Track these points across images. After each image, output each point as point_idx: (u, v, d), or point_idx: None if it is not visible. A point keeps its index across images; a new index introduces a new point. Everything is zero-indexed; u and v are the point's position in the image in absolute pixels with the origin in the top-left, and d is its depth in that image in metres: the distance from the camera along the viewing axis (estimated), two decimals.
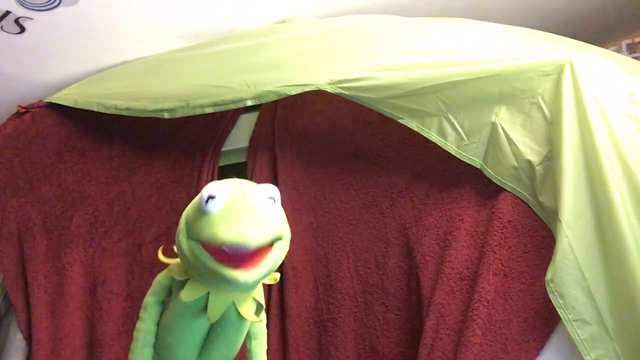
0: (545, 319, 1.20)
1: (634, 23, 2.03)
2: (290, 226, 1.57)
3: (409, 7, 1.82)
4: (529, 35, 1.50)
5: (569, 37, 1.55)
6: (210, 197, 1.05)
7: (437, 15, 1.77)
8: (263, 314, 1.23)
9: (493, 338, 1.23)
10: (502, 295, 1.25)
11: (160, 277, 1.25)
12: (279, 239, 1.09)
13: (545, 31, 1.58)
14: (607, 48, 1.77)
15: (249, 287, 1.11)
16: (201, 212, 1.06)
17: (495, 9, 1.90)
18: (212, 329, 1.20)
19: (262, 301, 1.20)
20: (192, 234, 1.08)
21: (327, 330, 1.51)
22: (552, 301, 1.14)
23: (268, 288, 1.57)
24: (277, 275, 1.23)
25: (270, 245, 1.07)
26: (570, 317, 1.13)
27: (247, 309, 1.16)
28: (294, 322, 1.53)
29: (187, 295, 1.13)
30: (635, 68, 1.41)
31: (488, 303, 1.24)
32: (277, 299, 1.57)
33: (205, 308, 1.14)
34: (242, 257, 1.04)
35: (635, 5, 1.99)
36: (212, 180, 1.68)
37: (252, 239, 1.01)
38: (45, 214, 1.77)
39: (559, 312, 1.14)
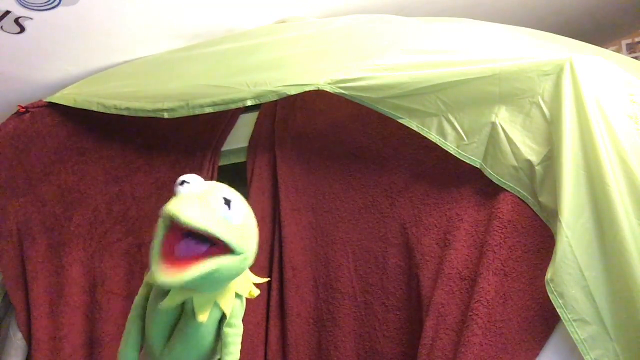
0: (545, 319, 1.20)
1: (634, 23, 2.03)
2: (290, 226, 1.59)
3: (409, 7, 1.82)
4: (529, 35, 1.50)
5: (569, 37, 1.55)
6: (184, 182, 1.13)
7: (437, 15, 1.77)
8: (237, 329, 1.22)
9: (493, 338, 1.23)
10: (502, 295, 1.25)
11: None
12: (212, 236, 1.07)
13: (545, 31, 1.58)
14: (607, 48, 1.77)
15: (170, 287, 1.12)
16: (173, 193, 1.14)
17: (495, 9, 1.90)
18: (180, 321, 1.21)
19: (228, 312, 1.19)
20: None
21: (327, 330, 1.51)
22: (552, 301, 1.14)
23: (268, 288, 1.58)
24: (256, 292, 1.24)
25: (209, 253, 1.08)
26: (570, 317, 1.13)
27: (204, 311, 1.16)
28: (294, 322, 1.53)
29: (169, 301, 1.15)
30: (635, 68, 1.41)
31: (488, 303, 1.24)
32: (277, 299, 1.57)
33: (183, 310, 1.18)
34: (177, 259, 1.07)
35: (635, 5, 1.99)
36: (212, 180, 1.68)
37: (185, 216, 1.04)
38: (45, 214, 1.77)
39: (559, 312, 1.14)
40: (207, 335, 1.21)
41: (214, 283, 1.14)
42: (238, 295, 1.22)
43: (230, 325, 1.21)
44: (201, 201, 1.09)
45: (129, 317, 1.26)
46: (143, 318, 1.24)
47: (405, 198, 1.46)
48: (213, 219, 1.07)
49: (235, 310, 1.22)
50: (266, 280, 1.29)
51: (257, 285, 1.26)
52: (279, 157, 1.64)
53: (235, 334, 1.22)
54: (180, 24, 1.77)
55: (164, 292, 1.18)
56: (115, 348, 1.65)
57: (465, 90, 1.32)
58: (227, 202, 1.10)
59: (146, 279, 1.26)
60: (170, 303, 1.16)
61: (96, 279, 1.72)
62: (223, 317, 1.20)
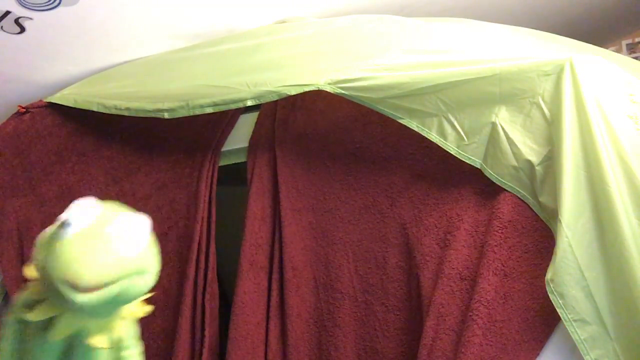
0: (545, 319, 1.20)
1: (634, 23, 2.03)
2: (290, 226, 1.59)
3: (409, 7, 1.82)
4: (529, 35, 1.50)
5: (569, 37, 1.55)
6: (66, 224, 0.99)
7: (437, 15, 1.77)
8: (134, 348, 1.17)
9: (493, 338, 1.23)
10: (502, 295, 1.25)
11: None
12: (117, 279, 1.00)
13: (546, 31, 1.58)
14: (607, 48, 1.78)
15: (87, 309, 1.02)
16: (57, 235, 1.01)
17: (495, 9, 1.90)
18: (66, 353, 1.13)
19: (121, 334, 1.13)
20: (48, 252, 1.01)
21: (327, 330, 1.51)
22: (552, 301, 1.14)
23: (268, 288, 1.58)
24: (147, 309, 1.18)
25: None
26: (570, 317, 1.13)
27: (98, 338, 1.10)
28: (294, 322, 1.53)
29: (37, 314, 1.07)
30: (635, 68, 1.41)
31: (488, 303, 1.24)
32: (277, 299, 1.57)
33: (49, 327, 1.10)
34: None
35: (635, 5, 1.99)
36: (212, 180, 1.68)
37: (84, 281, 0.95)
38: (45, 214, 1.77)
39: (559, 312, 1.14)
40: None
41: (116, 306, 1.08)
42: (128, 315, 1.16)
43: (127, 348, 1.16)
44: (94, 245, 0.98)
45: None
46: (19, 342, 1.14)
47: (405, 198, 1.46)
48: (113, 265, 0.99)
49: (127, 331, 1.16)
50: (151, 294, 1.26)
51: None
52: (279, 157, 1.64)
53: (133, 355, 1.17)
54: (180, 24, 1.77)
55: (46, 322, 1.08)
56: None
57: (465, 90, 1.32)
58: (121, 236, 1.02)
59: (21, 295, 1.14)
60: (60, 334, 1.07)
61: None
62: (116, 339, 1.14)
